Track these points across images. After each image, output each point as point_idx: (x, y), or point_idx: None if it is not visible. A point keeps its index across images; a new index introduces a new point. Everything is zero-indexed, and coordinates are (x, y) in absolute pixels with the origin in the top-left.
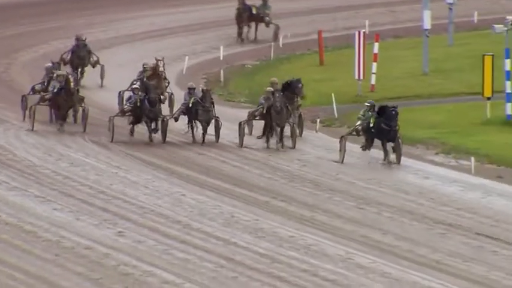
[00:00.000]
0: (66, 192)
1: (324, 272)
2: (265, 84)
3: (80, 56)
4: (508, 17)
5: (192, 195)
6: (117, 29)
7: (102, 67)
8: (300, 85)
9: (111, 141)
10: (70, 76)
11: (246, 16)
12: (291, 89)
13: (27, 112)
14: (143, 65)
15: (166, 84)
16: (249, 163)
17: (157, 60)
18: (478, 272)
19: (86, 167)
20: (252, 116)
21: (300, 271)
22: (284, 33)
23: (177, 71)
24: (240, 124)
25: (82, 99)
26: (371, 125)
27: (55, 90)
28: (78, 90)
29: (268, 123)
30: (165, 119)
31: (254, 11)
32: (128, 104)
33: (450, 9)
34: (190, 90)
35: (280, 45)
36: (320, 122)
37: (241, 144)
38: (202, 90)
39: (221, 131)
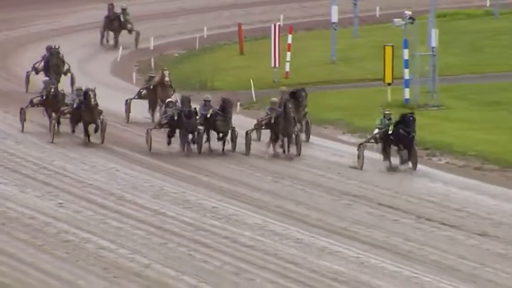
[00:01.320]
0: (11, 168)
1: (243, 239)
2: (191, 70)
3: (55, 65)
4: (406, 12)
5: (126, 170)
6: (57, 22)
7: (72, 74)
8: (304, 94)
9: (150, 151)
10: (91, 92)
11: (117, 24)
12: (295, 97)
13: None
14: (149, 74)
15: (172, 93)
16: (177, 141)
17: (163, 71)
18: (379, 238)
19: (29, 145)
20: (259, 125)
21: (222, 238)
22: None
23: (112, 59)
24: (247, 133)
25: (100, 112)
26: (390, 131)
27: (75, 105)
28: (97, 104)
29: (275, 132)
30: (200, 132)
31: (122, 19)
32: (164, 117)
33: (355, 4)
34: (206, 102)
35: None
36: (240, 105)
37: (248, 153)
38: (223, 100)
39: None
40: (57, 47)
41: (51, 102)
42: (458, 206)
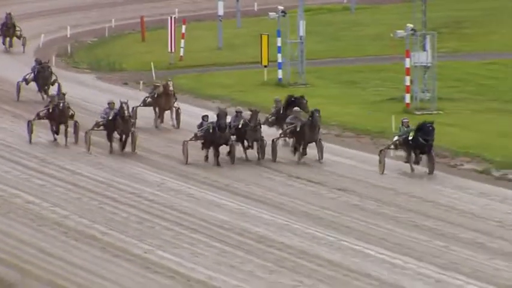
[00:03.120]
0: None
1: (145, 194)
2: (102, 54)
3: (45, 76)
4: (279, 7)
5: (48, 137)
6: None
7: (59, 84)
8: (305, 101)
9: (186, 163)
10: (124, 104)
11: (12, 31)
12: (295, 104)
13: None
14: (154, 83)
15: (174, 101)
16: (91, 114)
17: (167, 81)
18: (257, 193)
19: None
20: (284, 133)
21: (128, 193)
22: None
23: (35, 45)
24: (273, 141)
25: (133, 124)
26: (410, 138)
27: (110, 117)
28: (130, 116)
29: (300, 140)
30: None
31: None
32: (200, 131)
33: (237, 0)
34: (238, 114)
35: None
36: (143, 83)
37: (274, 159)
38: (251, 110)
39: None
40: (46, 61)
41: (57, 115)
42: (321, 166)
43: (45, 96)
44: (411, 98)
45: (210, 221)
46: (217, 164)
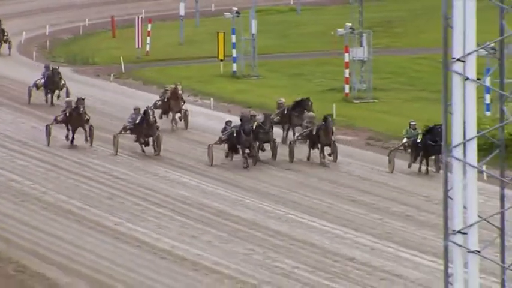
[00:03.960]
0: None
1: (116, 173)
2: (77, 50)
3: (55, 82)
4: (233, 8)
5: (30, 123)
6: None
7: (67, 88)
8: (310, 103)
9: (211, 165)
10: (150, 110)
11: (1, 36)
12: (301, 106)
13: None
14: (165, 87)
15: (182, 104)
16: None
17: (176, 85)
18: (213, 171)
19: None
20: (301, 136)
21: (100, 172)
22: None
23: (17, 42)
24: (290, 143)
25: (158, 127)
26: (418, 140)
27: (137, 122)
28: (156, 121)
29: (315, 142)
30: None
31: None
32: (224, 134)
33: (196, 1)
34: (252, 117)
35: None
36: (113, 75)
37: (291, 160)
38: (264, 114)
39: None
40: (57, 67)
41: (75, 119)
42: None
43: (54, 99)
44: (350, 88)
45: (174, 197)
46: (246, 164)
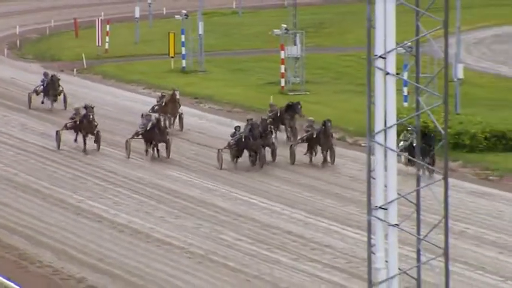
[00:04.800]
0: None
1: (80, 157)
2: (44, 48)
3: (54, 87)
4: (183, 11)
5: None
6: None
7: (65, 94)
8: (300, 106)
9: (220, 168)
10: (161, 117)
11: None
12: (292, 109)
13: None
14: (162, 93)
15: (178, 106)
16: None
17: (174, 90)
18: (164, 155)
19: None
20: (301, 140)
21: (65, 156)
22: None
23: None
24: (291, 146)
25: (168, 133)
26: (414, 144)
27: (148, 128)
28: (166, 127)
29: (313, 145)
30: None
31: None
32: (233, 139)
33: (150, 5)
34: (248, 121)
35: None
36: (76, 70)
37: (292, 162)
38: (261, 119)
39: None
40: (56, 74)
41: (85, 126)
42: (212, 134)
43: (54, 104)
44: (285, 82)
45: (130, 178)
46: (253, 164)
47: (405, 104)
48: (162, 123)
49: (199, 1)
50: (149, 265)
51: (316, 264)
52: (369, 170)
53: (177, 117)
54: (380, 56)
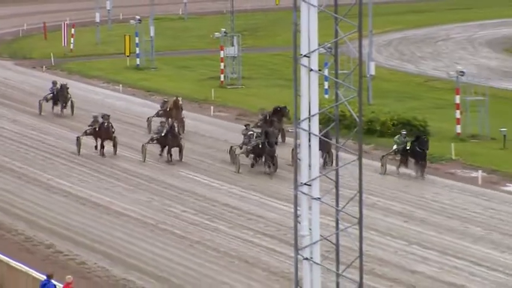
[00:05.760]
0: None
1: (49, 142)
2: (17, 48)
3: (64, 95)
4: (137, 17)
5: None
6: None
7: (72, 102)
8: (287, 110)
9: (238, 172)
10: (175, 123)
11: None
12: (280, 113)
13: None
14: (164, 99)
15: (181, 111)
16: (9, 87)
17: (177, 97)
18: (122, 141)
19: None
20: None
21: (36, 141)
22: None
23: None
24: (292, 150)
25: (180, 138)
26: (407, 147)
27: (163, 134)
28: (179, 132)
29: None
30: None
31: None
32: (250, 146)
33: (109, 11)
34: (247, 126)
35: None
36: (45, 67)
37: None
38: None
39: None
40: (65, 83)
41: (103, 132)
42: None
43: (64, 110)
44: (224, 77)
45: (92, 159)
46: (269, 168)
47: (326, 96)
48: (176, 129)
49: (151, 8)
50: (109, 233)
51: (250, 232)
52: (296, 152)
53: (181, 121)
54: (305, 55)
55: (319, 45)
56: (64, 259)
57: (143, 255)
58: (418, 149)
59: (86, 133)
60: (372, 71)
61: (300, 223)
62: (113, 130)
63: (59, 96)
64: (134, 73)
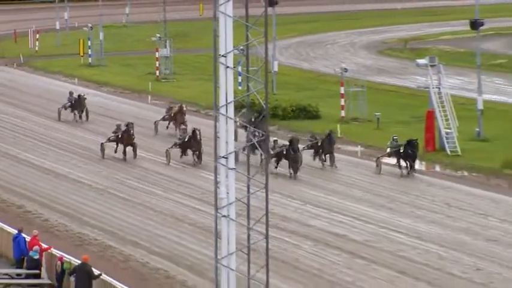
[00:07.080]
0: None
1: (24, 126)
2: (2, 50)
3: (81, 104)
4: (89, 24)
5: None
6: None
7: (87, 109)
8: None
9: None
10: (197, 130)
11: None
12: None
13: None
14: (169, 105)
15: (184, 116)
16: None
17: (182, 104)
18: (99, 129)
19: None
20: (307, 147)
21: (12, 124)
22: None
23: None
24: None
25: (201, 143)
26: (401, 150)
27: (186, 139)
28: (201, 139)
29: (317, 151)
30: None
31: None
32: (274, 152)
33: (66, 20)
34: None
35: None
36: (16, 64)
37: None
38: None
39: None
40: (83, 94)
41: (125, 138)
42: (109, 107)
43: (82, 118)
44: (159, 73)
45: (56, 138)
46: (294, 175)
47: (240, 88)
48: (198, 135)
49: (100, 18)
50: (67, 196)
51: (180, 195)
52: (216, 132)
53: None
54: (222, 55)
55: (234, 47)
56: (32, 217)
57: (95, 214)
58: (410, 151)
59: (109, 140)
60: (276, 68)
61: (219, 188)
62: (134, 137)
63: (77, 105)
64: (87, 69)
